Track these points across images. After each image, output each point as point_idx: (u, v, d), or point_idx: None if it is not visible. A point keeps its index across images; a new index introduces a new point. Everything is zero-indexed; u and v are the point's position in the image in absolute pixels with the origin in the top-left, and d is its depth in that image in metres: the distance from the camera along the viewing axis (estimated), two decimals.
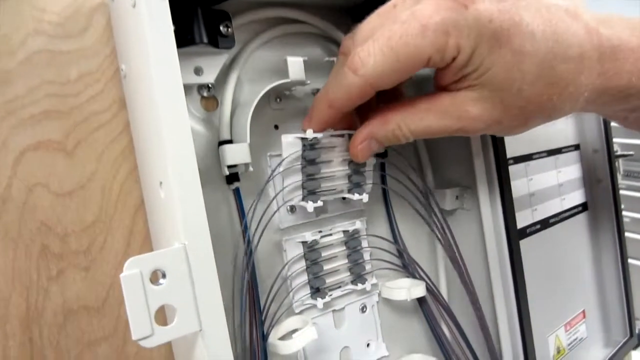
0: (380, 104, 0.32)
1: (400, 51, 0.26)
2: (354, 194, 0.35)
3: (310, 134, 0.32)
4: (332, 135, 0.33)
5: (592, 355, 0.54)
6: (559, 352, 0.49)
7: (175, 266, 0.24)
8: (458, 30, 0.25)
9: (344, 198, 0.38)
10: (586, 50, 0.28)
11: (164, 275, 0.24)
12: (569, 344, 0.50)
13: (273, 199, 0.34)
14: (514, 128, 0.30)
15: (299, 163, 0.33)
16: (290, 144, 0.32)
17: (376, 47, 0.27)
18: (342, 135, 0.34)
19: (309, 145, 0.33)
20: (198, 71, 0.32)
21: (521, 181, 0.47)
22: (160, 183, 0.27)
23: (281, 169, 0.32)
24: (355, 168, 0.35)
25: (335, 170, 0.34)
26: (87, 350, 0.29)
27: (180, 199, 0.25)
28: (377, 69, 0.27)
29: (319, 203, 0.33)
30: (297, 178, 0.33)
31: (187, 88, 0.32)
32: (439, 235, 0.40)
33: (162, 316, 0.31)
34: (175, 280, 0.24)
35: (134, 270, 0.23)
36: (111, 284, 0.30)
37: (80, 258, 0.30)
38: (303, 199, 0.34)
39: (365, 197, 0.35)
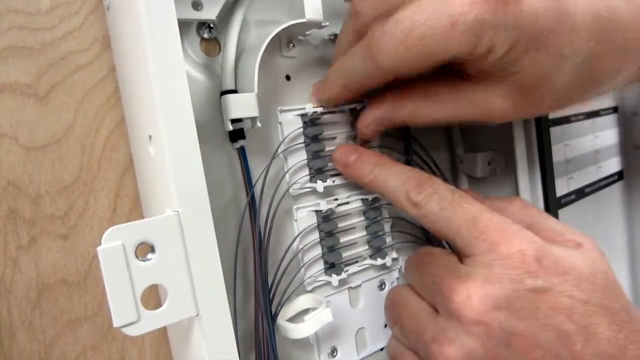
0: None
1: (423, 45, 0.23)
2: None
3: (309, 108, 0.30)
4: (333, 112, 0.31)
5: None
6: None
7: (166, 238, 0.20)
8: (494, 31, 0.22)
9: None
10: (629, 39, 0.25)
11: (152, 249, 0.20)
12: None
13: (284, 175, 0.29)
14: (539, 115, 0.28)
15: (302, 141, 0.31)
16: (290, 122, 0.30)
17: (397, 35, 0.23)
18: (343, 111, 0.32)
19: (309, 122, 0.30)
20: (197, 5, 0.26)
21: (558, 146, 0.43)
22: (150, 137, 0.22)
23: (282, 148, 0.30)
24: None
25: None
26: (67, 331, 0.25)
27: (173, 157, 0.20)
28: (397, 61, 0.24)
29: (329, 182, 0.30)
30: (302, 157, 0.31)
31: (184, 25, 0.27)
32: None
33: (151, 298, 0.27)
34: (167, 255, 0.20)
35: (115, 242, 0.19)
36: (94, 254, 0.26)
37: (57, 224, 0.25)
38: (311, 180, 0.31)
39: None
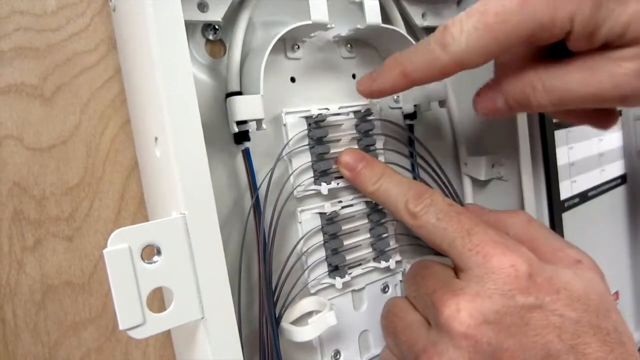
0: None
1: (496, 29, 0.23)
2: None
3: (314, 110, 0.30)
4: (337, 114, 0.31)
5: None
6: None
7: (172, 240, 0.20)
8: None
9: None
10: None
11: (158, 252, 0.20)
12: None
13: (288, 177, 0.29)
14: None
15: (306, 143, 0.30)
16: (294, 124, 0.30)
17: (470, 23, 0.24)
18: (347, 114, 0.32)
19: (314, 124, 0.30)
20: (203, 7, 0.26)
21: (562, 149, 0.43)
22: (156, 139, 0.22)
23: (287, 150, 0.29)
24: (365, 149, 0.33)
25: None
26: (71, 333, 0.25)
27: (179, 159, 0.20)
28: (469, 48, 0.24)
29: (334, 184, 0.31)
30: (306, 159, 0.31)
31: (190, 27, 0.27)
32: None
33: (156, 301, 0.27)
34: (173, 257, 0.20)
35: (121, 244, 0.19)
36: (99, 256, 0.26)
37: (62, 225, 0.25)
38: (315, 182, 0.31)
39: None
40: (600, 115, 0.29)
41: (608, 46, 0.23)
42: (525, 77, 0.26)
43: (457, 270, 0.26)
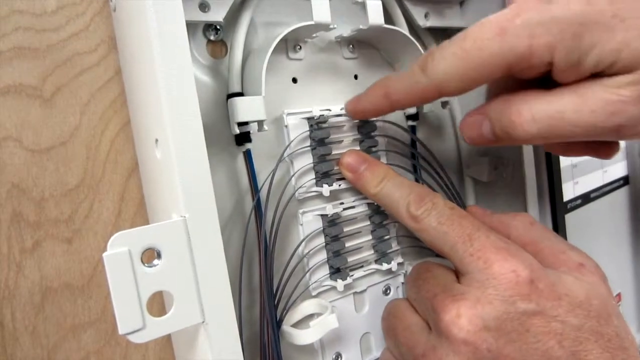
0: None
1: (473, 55, 0.23)
2: None
3: (316, 111, 0.29)
4: (339, 115, 0.31)
5: None
6: None
7: (172, 244, 0.20)
8: (545, 28, 0.21)
9: None
10: None
11: (159, 255, 0.20)
12: None
13: (290, 179, 0.29)
14: None
15: (308, 145, 0.30)
16: (296, 125, 0.30)
17: (450, 49, 0.24)
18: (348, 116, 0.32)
19: (316, 125, 0.30)
20: (204, 7, 0.26)
21: None
22: (156, 140, 0.22)
23: (289, 152, 0.29)
24: (368, 150, 0.32)
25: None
26: (70, 336, 0.25)
27: (180, 161, 0.20)
28: (447, 74, 0.24)
29: (335, 186, 0.30)
30: (308, 161, 0.30)
31: (190, 27, 0.27)
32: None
33: (156, 304, 0.27)
34: (173, 261, 0.20)
35: (121, 248, 0.19)
36: (99, 258, 0.26)
37: (61, 228, 0.25)
38: (317, 183, 0.30)
39: None
40: (600, 145, 0.28)
41: (600, 75, 0.22)
42: (513, 103, 0.24)
43: (458, 274, 0.26)
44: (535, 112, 0.23)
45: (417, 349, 0.25)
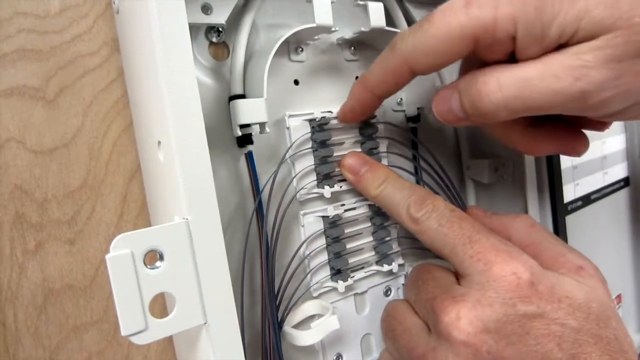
0: None
1: (440, 28, 0.23)
2: None
3: (318, 113, 0.30)
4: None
5: None
6: None
7: (175, 246, 0.20)
8: (508, 0, 0.21)
9: None
10: None
11: (161, 257, 0.20)
12: None
13: (291, 181, 0.29)
14: None
15: (310, 146, 0.30)
16: (298, 127, 0.30)
17: (418, 24, 0.24)
18: None
19: (317, 127, 0.30)
20: (206, 9, 0.26)
21: None
22: (159, 143, 0.22)
23: (290, 153, 0.29)
24: (369, 152, 0.32)
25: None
26: (72, 336, 0.25)
27: (183, 163, 0.20)
28: (415, 46, 0.24)
29: (337, 187, 0.30)
30: (309, 162, 0.30)
31: (193, 29, 0.27)
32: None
33: (158, 306, 0.27)
34: (175, 263, 0.20)
35: (123, 250, 0.19)
36: (101, 260, 0.26)
37: (64, 229, 0.25)
38: (318, 185, 0.31)
39: None
40: (568, 137, 0.28)
41: (564, 46, 0.22)
42: (480, 74, 0.24)
43: (458, 276, 0.26)
44: (501, 81, 0.23)
45: (417, 350, 0.25)
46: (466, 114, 0.25)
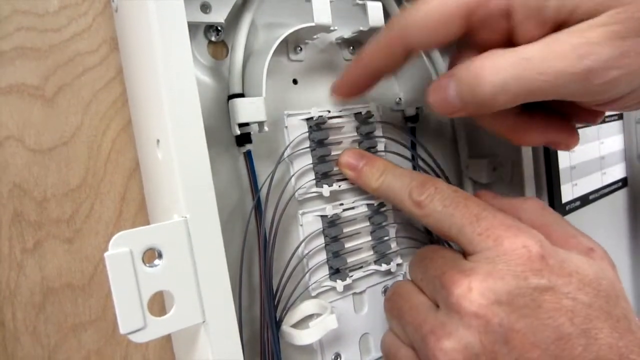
0: None
1: (433, 1, 0.23)
2: None
3: (315, 112, 0.30)
4: (338, 116, 0.31)
5: None
6: None
7: (173, 244, 0.20)
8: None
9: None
10: None
11: (160, 255, 0.20)
12: None
13: (289, 179, 0.29)
14: None
15: (308, 145, 0.30)
16: (296, 126, 0.30)
17: (414, 2, 0.24)
18: (348, 116, 0.32)
19: (315, 126, 0.30)
20: (205, 8, 0.26)
21: (563, 152, 0.42)
22: (158, 141, 0.22)
23: (288, 152, 0.30)
24: (367, 151, 0.32)
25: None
26: (71, 335, 0.25)
27: (181, 161, 0.20)
28: (408, 22, 0.24)
29: (335, 186, 0.31)
30: (308, 162, 0.31)
31: (192, 28, 0.27)
32: None
33: (156, 304, 0.27)
34: (174, 261, 0.20)
35: (122, 248, 0.19)
36: (99, 258, 0.26)
37: (62, 227, 0.25)
38: (317, 184, 0.31)
39: None
40: (559, 129, 0.28)
41: (564, 25, 0.21)
42: (478, 58, 0.23)
43: (466, 255, 0.25)
44: (500, 62, 0.22)
45: (425, 327, 0.24)
46: (463, 102, 0.24)
